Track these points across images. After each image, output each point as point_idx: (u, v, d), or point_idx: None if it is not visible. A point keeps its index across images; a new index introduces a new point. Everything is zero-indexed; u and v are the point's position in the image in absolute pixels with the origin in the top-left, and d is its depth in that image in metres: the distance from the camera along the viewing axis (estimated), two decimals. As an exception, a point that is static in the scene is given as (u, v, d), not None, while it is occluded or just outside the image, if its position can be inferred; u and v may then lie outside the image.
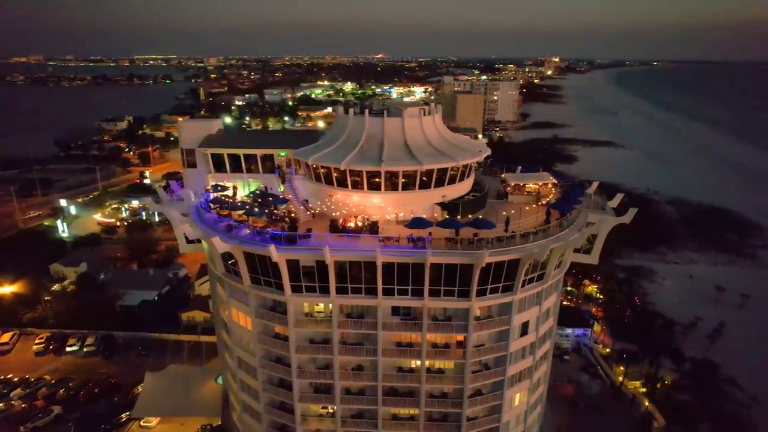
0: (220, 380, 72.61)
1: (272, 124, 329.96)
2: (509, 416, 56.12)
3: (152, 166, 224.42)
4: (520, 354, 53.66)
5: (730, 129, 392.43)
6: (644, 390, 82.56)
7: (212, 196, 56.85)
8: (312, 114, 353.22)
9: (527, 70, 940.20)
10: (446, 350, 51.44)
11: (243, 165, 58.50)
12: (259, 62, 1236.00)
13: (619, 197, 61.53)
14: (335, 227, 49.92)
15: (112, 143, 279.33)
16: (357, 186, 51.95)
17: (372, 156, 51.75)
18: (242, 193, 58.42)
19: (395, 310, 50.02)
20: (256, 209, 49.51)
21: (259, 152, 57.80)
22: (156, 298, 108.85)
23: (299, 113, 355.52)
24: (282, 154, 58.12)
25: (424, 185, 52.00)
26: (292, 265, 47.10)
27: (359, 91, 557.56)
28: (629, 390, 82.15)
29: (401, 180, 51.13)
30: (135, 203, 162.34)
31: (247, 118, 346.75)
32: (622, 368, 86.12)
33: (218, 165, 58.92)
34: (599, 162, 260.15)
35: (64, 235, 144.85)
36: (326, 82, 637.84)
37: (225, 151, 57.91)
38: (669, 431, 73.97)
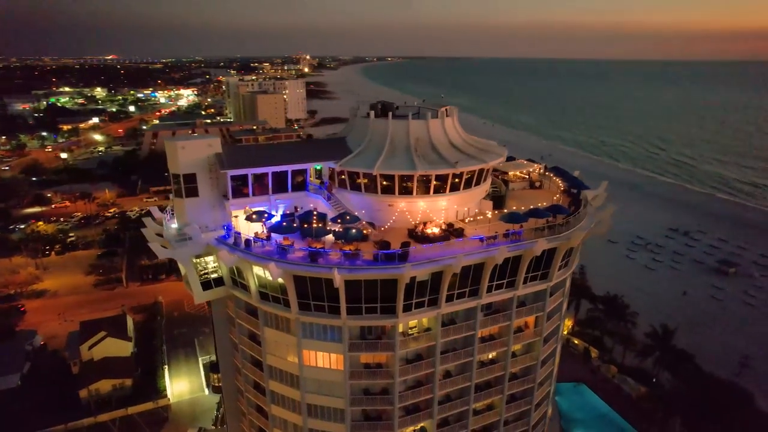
0: (223, 446, 60.70)
1: (29, 142, 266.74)
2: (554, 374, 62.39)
3: None
4: (561, 317, 60.03)
5: (474, 112, 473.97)
6: (566, 331, 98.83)
7: (239, 225, 47.83)
8: (80, 126, 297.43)
9: (286, 68, 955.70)
10: (520, 333, 54.32)
11: (270, 185, 50.00)
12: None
13: (577, 173, 72.36)
14: (423, 237, 47.56)
15: None
16: (421, 191, 50.24)
17: (433, 159, 50.66)
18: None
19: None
20: (354, 231, 43.78)
21: (290, 168, 50.19)
22: (20, 382, 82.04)
23: (62, 126, 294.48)
24: (318, 167, 51.66)
25: (478, 182, 53.32)
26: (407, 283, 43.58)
27: (118, 97, 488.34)
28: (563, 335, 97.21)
29: (464, 179, 51.44)
30: None
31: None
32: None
33: (237, 189, 49.10)
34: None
35: None
36: (67, 89, 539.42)
37: (250, 171, 48.54)
38: (602, 357, 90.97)
